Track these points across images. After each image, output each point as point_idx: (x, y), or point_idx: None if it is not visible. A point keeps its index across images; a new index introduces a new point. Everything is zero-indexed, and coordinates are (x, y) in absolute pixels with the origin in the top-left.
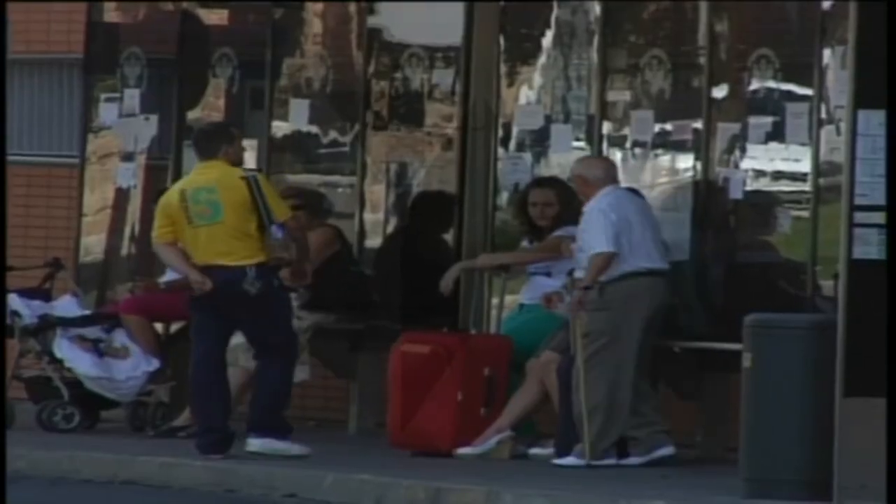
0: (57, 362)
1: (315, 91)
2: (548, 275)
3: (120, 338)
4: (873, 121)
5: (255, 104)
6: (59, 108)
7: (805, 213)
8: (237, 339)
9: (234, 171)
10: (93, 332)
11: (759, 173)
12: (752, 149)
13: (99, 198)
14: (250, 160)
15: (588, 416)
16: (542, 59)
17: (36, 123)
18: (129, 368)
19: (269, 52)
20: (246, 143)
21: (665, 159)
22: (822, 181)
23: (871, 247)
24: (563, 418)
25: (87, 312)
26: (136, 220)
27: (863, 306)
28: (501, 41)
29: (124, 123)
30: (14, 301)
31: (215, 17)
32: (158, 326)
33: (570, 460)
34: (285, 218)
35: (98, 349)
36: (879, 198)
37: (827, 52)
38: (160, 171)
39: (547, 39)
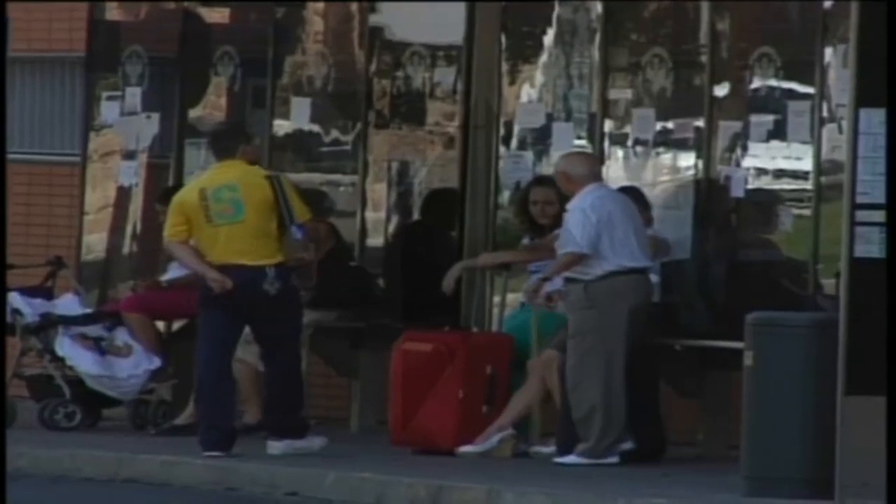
0: (58, 360)
1: (317, 89)
2: None
3: (121, 336)
4: (874, 119)
5: (256, 103)
6: (61, 106)
7: (806, 212)
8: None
9: (256, 171)
10: (94, 330)
11: (761, 171)
12: (753, 147)
13: (100, 196)
14: None
15: (588, 417)
16: (544, 58)
17: (37, 122)
18: (130, 367)
19: (271, 50)
20: None
21: (666, 157)
22: (823, 179)
23: (872, 245)
24: (565, 417)
25: (89, 311)
26: (138, 218)
27: (864, 305)
28: (503, 39)
29: (126, 122)
30: (15, 299)
31: (217, 15)
32: (160, 325)
33: (571, 459)
34: (306, 219)
35: (100, 347)
36: (881, 196)
37: (828, 51)
38: (162, 169)
39: (548, 38)
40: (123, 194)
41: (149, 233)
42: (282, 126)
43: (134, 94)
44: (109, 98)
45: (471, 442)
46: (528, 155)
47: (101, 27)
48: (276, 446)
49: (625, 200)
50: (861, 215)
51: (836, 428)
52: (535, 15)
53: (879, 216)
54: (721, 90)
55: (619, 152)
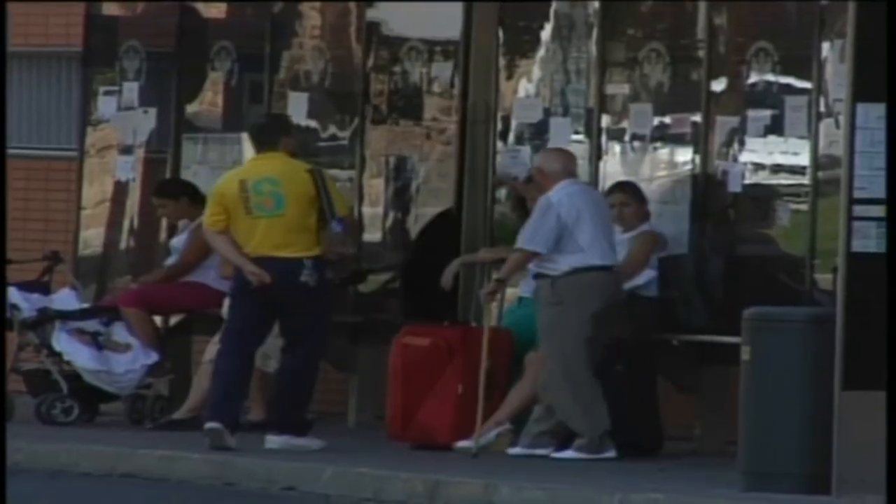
0: (56, 355)
1: (314, 85)
2: None
3: (119, 331)
4: (872, 114)
5: (253, 98)
6: (58, 101)
7: (804, 207)
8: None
9: (298, 164)
10: (92, 325)
11: (758, 166)
12: (750, 142)
13: (98, 191)
14: (249, 155)
15: (571, 416)
16: (541, 53)
17: (35, 117)
18: (127, 361)
19: (268, 45)
20: (244, 136)
21: (664, 152)
22: (820, 174)
23: (869, 240)
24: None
25: (86, 305)
26: (135, 213)
27: (862, 300)
28: (500, 34)
29: (123, 117)
30: (13, 294)
31: (214, 10)
32: (158, 319)
33: (568, 454)
34: (346, 213)
35: (97, 342)
36: (878, 191)
37: (826, 46)
38: (159, 164)
39: (546, 33)
40: (120, 189)
41: (146, 228)
42: None
43: (131, 89)
44: (106, 93)
45: (469, 437)
46: (526, 150)
47: (98, 22)
48: (273, 440)
49: (596, 197)
50: (858, 210)
51: (833, 423)
52: (532, 10)
53: (877, 211)
54: (718, 85)
55: (617, 147)
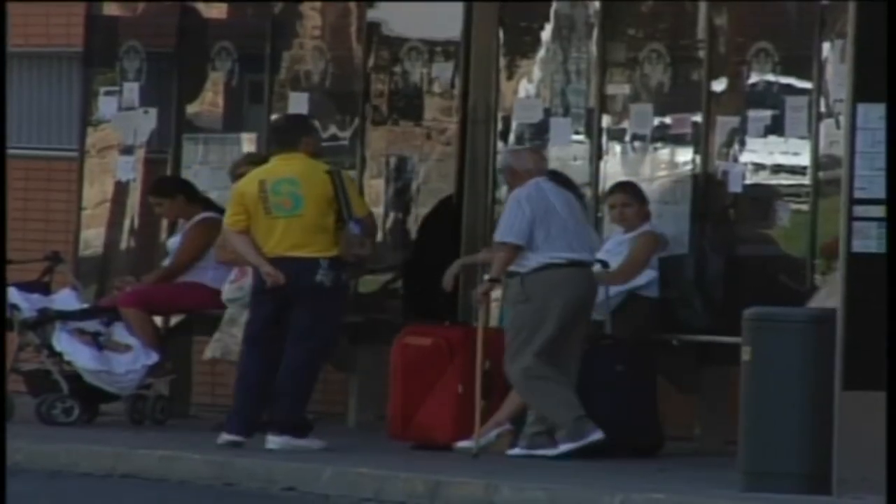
0: (56, 356)
1: (314, 85)
2: None
3: (119, 331)
4: (873, 114)
5: (254, 98)
6: (59, 101)
7: (804, 207)
8: None
9: (318, 165)
10: (92, 325)
11: (759, 167)
12: (751, 142)
13: (98, 191)
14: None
15: (543, 411)
16: (542, 53)
17: (35, 117)
18: (128, 362)
19: (269, 45)
20: (245, 136)
21: (664, 153)
22: (821, 175)
23: (870, 240)
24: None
25: (86, 306)
26: (136, 213)
27: (862, 300)
28: (500, 35)
29: (123, 117)
30: (13, 294)
31: (214, 10)
32: (158, 320)
33: (560, 449)
34: (364, 214)
35: (97, 342)
36: (879, 191)
37: (826, 46)
38: (159, 164)
39: (546, 33)
40: (121, 189)
41: (146, 228)
42: None
43: (131, 90)
44: (107, 93)
45: (469, 437)
46: None
47: (98, 22)
48: (274, 441)
49: (566, 195)
50: (859, 210)
51: (833, 423)
52: (532, 10)
53: (877, 211)
54: (719, 85)
55: (617, 147)
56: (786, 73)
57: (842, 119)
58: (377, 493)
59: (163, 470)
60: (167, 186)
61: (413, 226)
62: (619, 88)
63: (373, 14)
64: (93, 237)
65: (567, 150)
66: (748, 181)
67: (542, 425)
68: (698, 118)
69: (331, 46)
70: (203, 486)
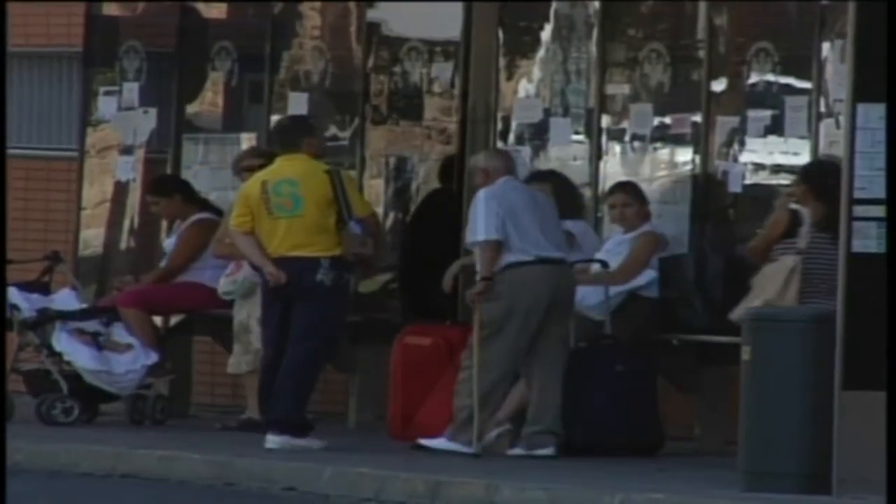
0: (56, 356)
1: (314, 85)
2: None
3: (119, 331)
4: (872, 114)
5: (253, 98)
6: (59, 101)
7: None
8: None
9: (318, 165)
10: (92, 325)
11: (758, 167)
12: (751, 142)
13: (98, 191)
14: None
15: (480, 404)
16: (541, 53)
17: (35, 117)
18: (128, 362)
19: (268, 45)
20: (245, 136)
21: (664, 153)
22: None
23: (870, 240)
24: (563, 411)
25: (86, 306)
26: (135, 213)
27: (862, 300)
28: (500, 35)
29: (123, 117)
30: (13, 294)
31: (214, 10)
32: (158, 320)
33: (439, 442)
34: (365, 214)
35: (97, 342)
36: (878, 191)
37: (826, 46)
38: (159, 164)
39: (546, 33)
40: (121, 189)
41: (146, 228)
42: None
43: (131, 90)
44: (107, 93)
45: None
46: (526, 150)
47: (98, 22)
48: (273, 440)
49: (533, 194)
50: (858, 210)
51: (833, 423)
52: (532, 10)
53: (877, 211)
54: (718, 85)
55: (617, 147)
56: (785, 73)
57: (842, 119)
58: (377, 494)
59: (163, 470)
60: (164, 185)
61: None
62: (618, 88)
63: (372, 14)
64: (92, 237)
65: (567, 150)
66: (748, 181)
67: (541, 425)
68: (698, 118)
69: (330, 46)
70: (203, 486)
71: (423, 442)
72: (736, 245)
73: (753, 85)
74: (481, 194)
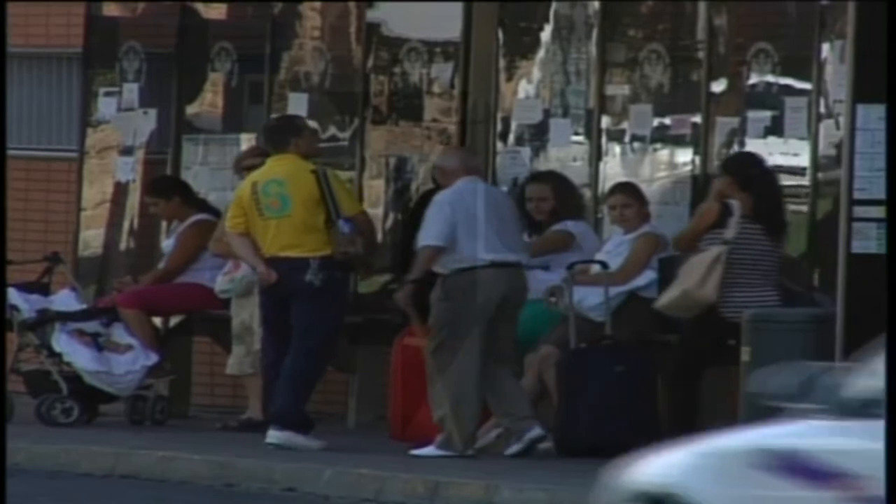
0: (56, 356)
1: (314, 85)
2: (546, 268)
3: (119, 332)
4: (872, 115)
5: (253, 98)
6: (58, 102)
7: (803, 208)
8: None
9: (304, 165)
10: (92, 326)
11: None
12: (750, 143)
13: (98, 192)
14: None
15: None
16: (541, 54)
17: (35, 117)
18: (127, 362)
19: (268, 46)
20: (244, 136)
21: (664, 153)
22: (820, 175)
23: (869, 241)
24: (561, 412)
25: (86, 306)
26: (135, 214)
27: (862, 300)
28: (500, 35)
29: (123, 117)
30: (13, 295)
31: (214, 11)
32: (157, 320)
33: (427, 451)
34: (353, 213)
35: (97, 343)
36: (878, 192)
37: (825, 46)
38: (159, 165)
39: (545, 34)
40: (120, 190)
41: (146, 228)
42: None
43: (131, 90)
44: (107, 94)
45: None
46: (526, 151)
47: (98, 23)
48: (274, 435)
49: (493, 195)
50: (858, 211)
51: None
52: (532, 11)
53: (876, 212)
54: (718, 86)
55: (617, 148)
56: (785, 73)
57: (841, 120)
58: (377, 494)
59: (163, 470)
60: (163, 187)
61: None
62: (618, 89)
63: (372, 14)
64: (92, 238)
65: (567, 150)
66: None
67: (513, 416)
68: (698, 119)
69: (330, 47)
70: (203, 486)
71: (415, 452)
72: None
73: (753, 86)
74: (438, 198)
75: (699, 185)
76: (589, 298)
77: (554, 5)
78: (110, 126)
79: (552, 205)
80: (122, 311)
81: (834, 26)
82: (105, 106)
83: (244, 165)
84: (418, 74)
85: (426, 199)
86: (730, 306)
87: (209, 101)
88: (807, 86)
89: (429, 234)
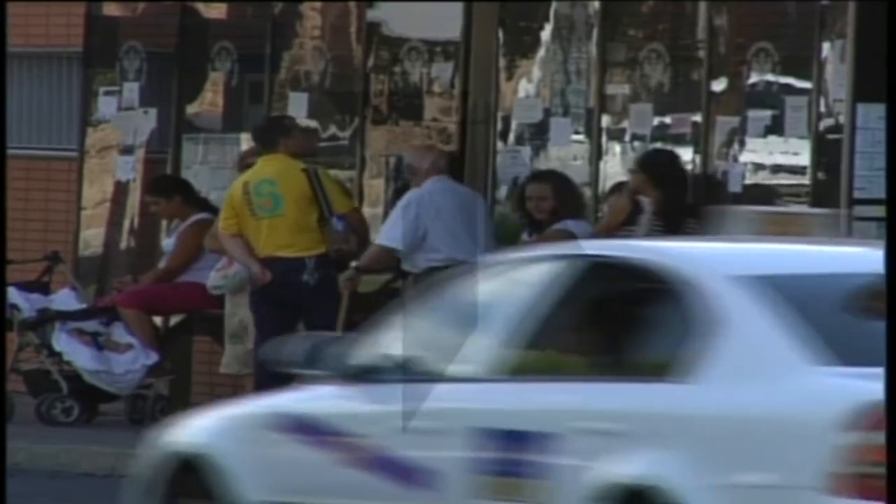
0: (56, 356)
1: (314, 85)
2: None
3: (119, 331)
4: (872, 114)
5: (254, 98)
6: (59, 101)
7: (804, 207)
8: None
9: (295, 164)
10: (92, 325)
11: (758, 166)
12: (750, 142)
13: (98, 191)
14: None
15: None
16: (541, 53)
17: (35, 117)
18: (127, 362)
19: (269, 45)
20: (244, 136)
21: None
22: (820, 174)
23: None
24: None
25: (86, 306)
26: (135, 213)
27: None
28: (500, 35)
29: (123, 117)
30: (13, 294)
31: (214, 10)
32: (157, 320)
33: None
34: (346, 210)
35: (97, 342)
36: (878, 191)
37: (826, 46)
38: (159, 164)
39: (546, 33)
40: (121, 189)
41: (146, 228)
42: None
43: (131, 90)
44: (107, 93)
45: None
46: (526, 150)
47: (98, 22)
48: None
49: (462, 195)
50: (858, 210)
51: None
52: (532, 10)
53: (877, 211)
54: (718, 85)
55: (617, 147)
56: (785, 73)
57: (842, 119)
58: None
59: None
60: (164, 185)
61: None
62: (618, 88)
63: (373, 14)
64: (92, 237)
65: (567, 149)
66: (748, 181)
67: None
68: (698, 118)
69: (331, 46)
70: None
71: None
72: None
73: (753, 85)
74: (405, 198)
75: (699, 184)
76: None
77: (554, 5)
78: (110, 125)
79: (552, 204)
80: (122, 310)
81: (834, 26)
82: (105, 105)
83: (247, 163)
84: (418, 74)
85: None
86: None
87: (209, 101)
88: (807, 85)
89: (385, 234)
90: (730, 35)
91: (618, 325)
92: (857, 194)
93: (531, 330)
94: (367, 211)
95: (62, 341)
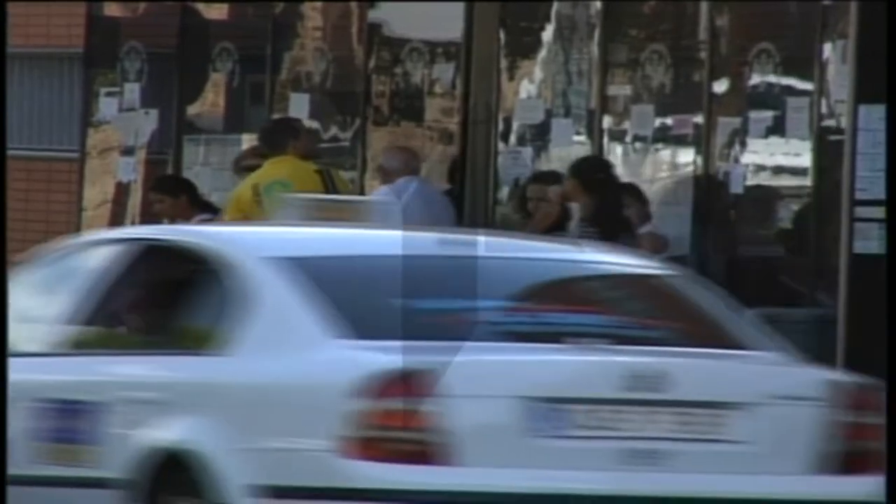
0: None
1: (315, 85)
2: None
3: None
4: (874, 115)
5: (255, 98)
6: (59, 102)
7: (805, 208)
8: None
9: (306, 166)
10: None
11: (760, 168)
12: (752, 143)
13: (99, 192)
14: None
15: None
16: (543, 54)
17: (36, 117)
18: None
19: (270, 46)
20: (246, 136)
21: (665, 154)
22: (822, 176)
23: (871, 241)
24: None
25: None
26: (137, 214)
27: (863, 300)
28: (502, 35)
29: (124, 118)
30: None
31: (215, 11)
32: None
33: None
34: None
35: None
36: (879, 192)
37: (827, 47)
38: (160, 165)
39: (547, 34)
40: (122, 190)
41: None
42: None
43: (132, 90)
44: (108, 94)
45: None
46: (527, 151)
47: (99, 23)
48: None
49: (430, 197)
50: (860, 211)
51: None
52: (533, 11)
53: (878, 212)
54: (720, 86)
55: (618, 149)
56: (787, 74)
57: (843, 120)
58: None
59: None
60: (171, 184)
61: None
62: (620, 89)
63: (374, 15)
64: None
65: (568, 150)
66: (749, 182)
67: None
68: (699, 119)
69: (332, 47)
70: None
71: None
72: (738, 247)
73: (755, 86)
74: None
75: (701, 185)
76: None
77: (555, 5)
78: (111, 126)
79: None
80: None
81: (836, 26)
82: (106, 106)
83: (244, 165)
84: (420, 75)
85: None
86: None
87: (210, 102)
88: (809, 86)
89: None
90: (731, 36)
91: (167, 303)
92: (858, 195)
93: (90, 308)
94: None
95: None
